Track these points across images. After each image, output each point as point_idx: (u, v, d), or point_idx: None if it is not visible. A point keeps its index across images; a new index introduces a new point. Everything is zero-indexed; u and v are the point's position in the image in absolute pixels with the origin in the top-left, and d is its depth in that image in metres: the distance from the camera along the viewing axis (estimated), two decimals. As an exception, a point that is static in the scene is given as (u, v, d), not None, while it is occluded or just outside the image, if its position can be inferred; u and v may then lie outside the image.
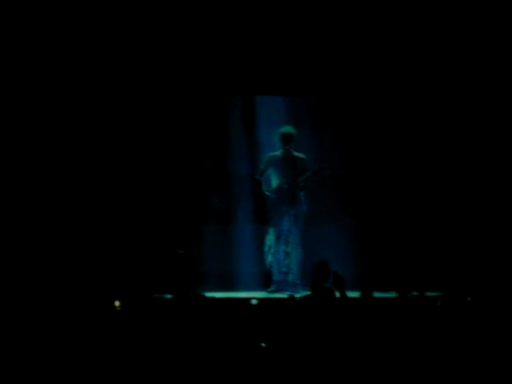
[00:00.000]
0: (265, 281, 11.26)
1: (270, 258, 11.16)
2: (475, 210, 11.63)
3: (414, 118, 11.98)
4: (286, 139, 11.19)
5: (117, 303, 7.42)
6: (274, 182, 11.23)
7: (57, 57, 11.00)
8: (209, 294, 8.27)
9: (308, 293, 7.40)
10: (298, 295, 8.45)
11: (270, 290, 10.91)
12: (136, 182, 11.51)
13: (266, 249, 11.22)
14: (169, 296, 7.42)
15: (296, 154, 11.25)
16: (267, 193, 11.26)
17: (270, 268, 11.15)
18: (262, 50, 11.43)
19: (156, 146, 11.71)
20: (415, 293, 7.85)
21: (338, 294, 7.30)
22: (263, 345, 6.21)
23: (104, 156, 11.36)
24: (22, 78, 10.85)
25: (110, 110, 11.37)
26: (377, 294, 8.21)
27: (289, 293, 9.57)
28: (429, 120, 11.94)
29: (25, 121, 10.93)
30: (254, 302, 7.90)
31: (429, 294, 8.33)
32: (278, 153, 11.26)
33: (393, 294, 8.14)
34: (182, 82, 11.61)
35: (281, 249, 11.09)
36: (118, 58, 11.25)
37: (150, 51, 11.32)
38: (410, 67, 11.70)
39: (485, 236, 11.45)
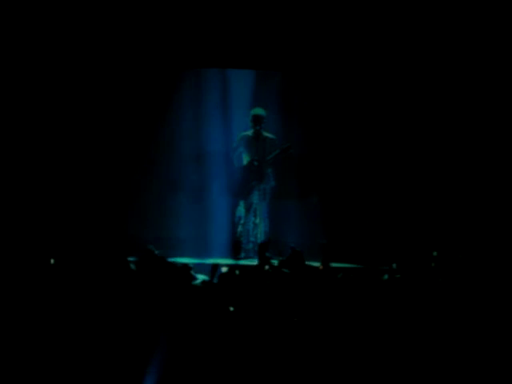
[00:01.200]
0: (235, 249, 11.66)
1: (240, 228, 11.71)
2: (432, 186, 11.87)
3: (377, 99, 12.18)
4: (257, 120, 11.63)
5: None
6: (245, 159, 11.73)
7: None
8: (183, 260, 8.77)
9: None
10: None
11: (239, 257, 11.43)
12: (113, 155, 11.91)
13: (237, 220, 11.76)
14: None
15: (266, 133, 11.71)
16: (237, 165, 11.78)
17: (239, 237, 11.69)
18: (235, 22, 11.30)
19: (134, 120, 12.06)
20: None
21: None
22: (231, 309, 6.37)
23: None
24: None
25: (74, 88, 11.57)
26: (335, 264, 8.75)
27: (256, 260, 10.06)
28: (387, 102, 12.13)
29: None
30: (224, 268, 8.16)
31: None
32: (249, 132, 11.73)
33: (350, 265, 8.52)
34: (154, 56, 11.60)
35: (250, 220, 11.66)
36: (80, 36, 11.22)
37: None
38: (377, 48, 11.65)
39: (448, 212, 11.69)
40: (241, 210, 11.74)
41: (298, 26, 11.32)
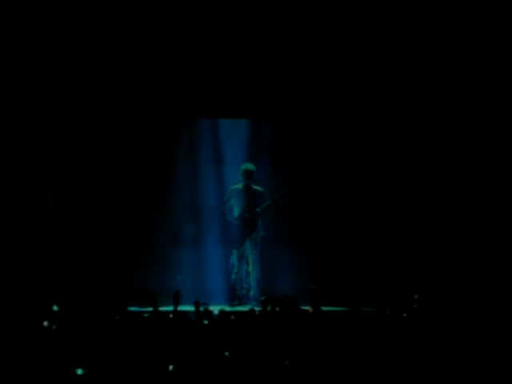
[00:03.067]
0: (230, 296, 11.91)
1: (233, 276, 11.98)
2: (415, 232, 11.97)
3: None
4: (247, 174, 11.99)
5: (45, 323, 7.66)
6: (236, 211, 12.06)
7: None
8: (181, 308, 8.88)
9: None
10: (257, 308, 9.17)
11: (233, 303, 11.66)
12: (114, 212, 12.02)
13: (230, 268, 12.04)
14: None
15: (255, 187, 12.05)
16: (229, 218, 11.99)
17: (233, 285, 11.93)
18: (226, 72, 11.47)
19: (134, 176, 12.24)
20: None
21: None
22: (226, 354, 6.48)
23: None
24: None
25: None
26: (325, 308, 8.86)
27: (250, 306, 10.23)
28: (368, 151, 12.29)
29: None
30: (216, 312, 8.42)
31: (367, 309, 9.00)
32: (240, 186, 12.06)
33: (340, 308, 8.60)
34: (149, 106, 11.76)
35: (243, 268, 11.94)
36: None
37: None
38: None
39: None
40: (234, 258, 12.04)
41: (288, 77, 11.58)
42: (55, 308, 8.38)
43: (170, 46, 11.25)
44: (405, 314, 8.04)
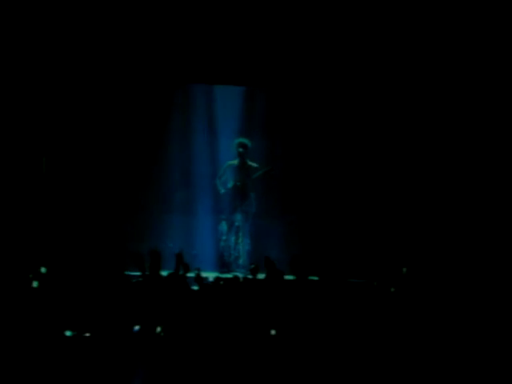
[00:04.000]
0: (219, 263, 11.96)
1: (222, 244, 12.05)
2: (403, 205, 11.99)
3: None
4: (242, 148, 11.99)
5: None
6: (230, 183, 12.12)
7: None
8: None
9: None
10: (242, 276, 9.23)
11: (222, 270, 11.70)
12: (107, 177, 12.04)
13: (219, 235, 12.08)
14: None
15: (250, 162, 12.08)
16: (223, 190, 12.01)
17: (222, 252, 12.00)
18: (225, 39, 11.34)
19: (128, 141, 12.21)
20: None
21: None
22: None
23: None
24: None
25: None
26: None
27: (236, 274, 10.24)
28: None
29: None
30: (210, 279, 8.58)
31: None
32: (235, 161, 12.10)
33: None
34: (146, 71, 11.67)
35: (232, 237, 11.96)
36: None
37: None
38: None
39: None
40: (223, 226, 12.08)
41: (284, 45, 11.45)
42: (43, 270, 8.37)
43: (165, 9, 11.13)
44: (392, 289, 8.02)
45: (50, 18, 10.99)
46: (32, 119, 11.27)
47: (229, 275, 10.78)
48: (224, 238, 12.00)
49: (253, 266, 8.94)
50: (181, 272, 7.96)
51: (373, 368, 6.22)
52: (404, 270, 9.12)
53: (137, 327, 6.25)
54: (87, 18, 11.08)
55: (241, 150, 11.96)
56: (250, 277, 8.92)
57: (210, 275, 9.27)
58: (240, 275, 9.17)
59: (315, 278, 8.45)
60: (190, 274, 8.40)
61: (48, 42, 11.11)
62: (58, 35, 11.12)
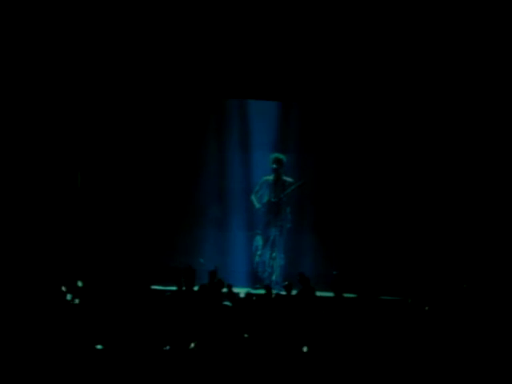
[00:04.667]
0: (252, 278, 11.92)
1: (256, 259, 11.98)
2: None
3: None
4: (277, 162, 12.01)
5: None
6: (265, 198, 12.09)
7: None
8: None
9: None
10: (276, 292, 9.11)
11: (255, 286, 11.61)
12: (142, 191, 12.06)
13: (254, 249, 12.02)
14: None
15: (285, 177, 12.08)
16: (258, 205, 11.96)
17: (256, 267, 11.93)
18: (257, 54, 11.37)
19: (166, 157, 12.25)
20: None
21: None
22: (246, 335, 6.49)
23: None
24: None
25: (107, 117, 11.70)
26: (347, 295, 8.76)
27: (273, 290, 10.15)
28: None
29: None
30: (242, 295, 8.51)
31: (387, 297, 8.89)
32: (271, 177, 12.10)
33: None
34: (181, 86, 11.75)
35: (266, 252, 11.88)
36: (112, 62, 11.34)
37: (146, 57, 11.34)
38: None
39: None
40: (258, 241, 11.99)
41: (318, 59, 11.45)
42: (80, 284, 8.40)
43: (201, 26, 11.16)
44: (427, 308, 7.90)
45: (91, 35, 11.11)
46: (69, 134, 11.35)
47: (262, 291, 10.81)
48: (259, 252, 11.94)
49: (286, 283, 8.87)
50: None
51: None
52: (464, 286, 8.99)
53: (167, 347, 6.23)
54: (129, 34, 11.17)
55: (275, 166, 11.97)
56: (283, 293, 8.84)
57: (241, 291, 9.18)
58: (273, 291, 9.09)
59: (350, 295, 8.44)
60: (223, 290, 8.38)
61: (88, 58, 11.20)
62: (96, 53, 11.23)
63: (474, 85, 11.42)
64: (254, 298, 8.00)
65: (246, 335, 6.50)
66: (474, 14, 11.00)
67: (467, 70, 11.36)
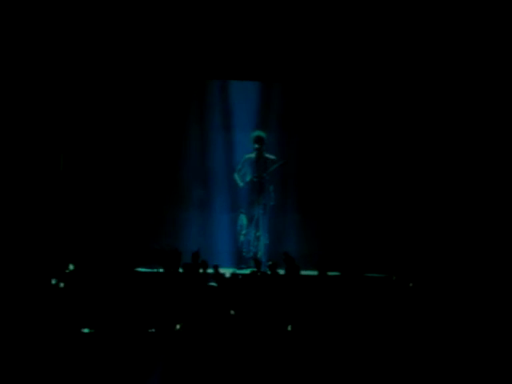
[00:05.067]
0: (237, 258, 11.90)
1: (241, 238, 11.96)
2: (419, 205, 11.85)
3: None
4: (258, 141, 12.00)
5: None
6: (248, 177, 12.07)
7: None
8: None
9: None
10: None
11: (240, 266, 11.62)
12: (124, 174, 11.99)
13: (238, 229, 11.98)
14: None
15: (267, 154, 12.05)
16: (241, 184, 11.90)
17: (240, 247, 11.92)
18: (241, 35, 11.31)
19: (144, 140, 12.15)
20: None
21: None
22: (232, 312, 6.56)
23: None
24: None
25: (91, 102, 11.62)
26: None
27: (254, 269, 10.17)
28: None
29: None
30: (227, 275, 8.52)
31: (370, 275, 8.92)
32: (252, 154, 12.07)
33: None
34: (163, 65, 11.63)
35: (251, 232, 11.85)
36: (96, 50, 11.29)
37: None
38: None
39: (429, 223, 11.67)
40: (242, 221, 11.94)
41: (299, 40, 11.37)
42: (71, 267, 8.36)
43: (181, 7, 11.08)
44: (411, 284, 7.92)
45: (67, 22, 11.00)
46: (50, 117, 11.25)
47: (247, 271, 10.83)
48: (244, 232, 11.92)
49: (271, 263, 8.88)
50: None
51: (388, 364, 6.13)
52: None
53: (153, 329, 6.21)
54: (104, 20, 11.08)
55: (256, 145, 11.94)
56: (268, 272, 8.86)
57: (226, 271, 9.19)
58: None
59: (334, 274, 8.46)
60: (209, 271, 8.37)
61: (64, 43, 11.11)
62: (74, 39, 11.13)
63: (461, 79, 11.41)
64: (240, 277, 8.01)
65: (232, 312, 6.51)
66: (469, 13, 11.00)
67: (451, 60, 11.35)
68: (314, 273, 8.74)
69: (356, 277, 8.19)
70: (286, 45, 11.43)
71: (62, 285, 7.44)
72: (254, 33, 11.30)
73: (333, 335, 6.34)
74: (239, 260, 11.78)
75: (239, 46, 11.40)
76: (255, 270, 9.18)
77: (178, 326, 6.29)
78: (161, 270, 8.26)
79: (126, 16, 11.11)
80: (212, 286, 7.37)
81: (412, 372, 6.06)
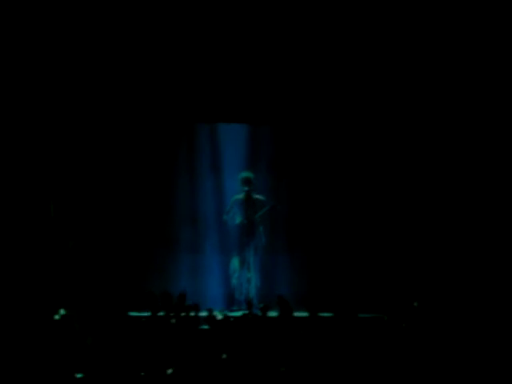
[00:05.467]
0: (229, 301, 11.86)
1: (233, 281, 11.92)
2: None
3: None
4: (246, 182, 12.03)
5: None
6: (238, 219, 12.07)
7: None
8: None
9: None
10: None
11: (232, 308, 11.57)
12: (114, 217, 11.93)
13: (231, 273, 11.93)
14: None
15: (256, 195, 12.09)
16: (232, 224, 11.97)
17: (233, 289, 11.88)
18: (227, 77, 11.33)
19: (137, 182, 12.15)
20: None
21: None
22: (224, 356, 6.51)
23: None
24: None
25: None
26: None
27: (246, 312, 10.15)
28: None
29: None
30: (219, 317, 8.47)
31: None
32: (241, 195, 12.08)
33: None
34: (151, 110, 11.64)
35: (244, 274, 11.81)
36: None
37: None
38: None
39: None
40: (235, 264, 11.93)
41: (287, 83, 11.43)
42: (62, 312, 8.32)
43: (169, 50, 11.17)
44: (404, 324, 7.88)
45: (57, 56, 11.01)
46: (39, 164, 11.25)
47: (239, 313, 10.78)
48: (236, 275, 11.89)
49: (262, 305, 8.86)
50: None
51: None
52: (415, 304, 9.01)
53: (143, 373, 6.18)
54: (93, 57, 11.08)
55: (246, 188, 11.97)
56: (259, 314, 8.83)
57: (218, 314, 9.15)
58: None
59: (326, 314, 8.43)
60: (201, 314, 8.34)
61: (57, 82, 11.12)
62: (65, 76, 11.13)
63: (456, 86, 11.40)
64: (232, 319, 7.98)
65: (224, 356, 6.46)
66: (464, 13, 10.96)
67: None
68: (306, 314, 8.73)
69: (349, 317, 8.17)
70: (274, 88, 11.48)
71: (54, 329, 7.40)
72: (243, 76, 11.36)
73: (326, 376, 6.32)
74: (231, 302, 11.75)
75: (228, 89, 11.44)
76: (247, 312, 9.16)
77: (169, 371, 6.26)
78: (151, 314, 8.21)
79: (114, 59, 11.15)
80: (204, 329, 7.36)
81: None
